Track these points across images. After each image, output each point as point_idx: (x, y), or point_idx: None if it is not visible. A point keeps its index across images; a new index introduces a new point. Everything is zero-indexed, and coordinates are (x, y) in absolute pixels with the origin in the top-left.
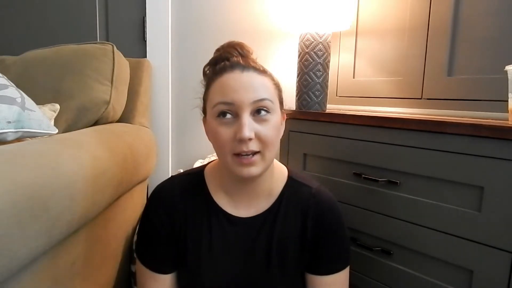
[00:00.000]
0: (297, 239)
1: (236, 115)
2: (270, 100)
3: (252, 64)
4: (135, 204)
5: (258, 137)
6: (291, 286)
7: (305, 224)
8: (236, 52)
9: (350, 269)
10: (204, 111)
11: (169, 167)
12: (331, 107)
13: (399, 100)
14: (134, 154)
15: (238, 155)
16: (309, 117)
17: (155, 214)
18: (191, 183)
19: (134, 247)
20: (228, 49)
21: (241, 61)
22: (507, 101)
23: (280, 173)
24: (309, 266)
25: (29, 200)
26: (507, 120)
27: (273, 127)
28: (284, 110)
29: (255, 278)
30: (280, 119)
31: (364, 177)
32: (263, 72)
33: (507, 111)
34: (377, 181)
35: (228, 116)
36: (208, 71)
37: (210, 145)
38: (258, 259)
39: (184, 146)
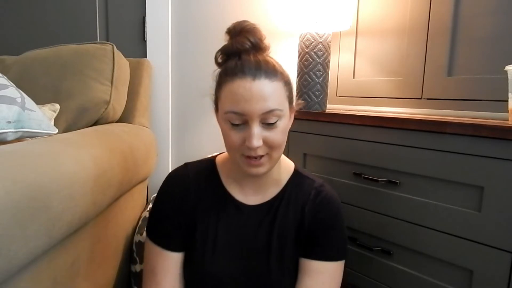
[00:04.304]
0: (295, 226)
1: (246, 123)
2: (279, 109)
3: (264, 66)
4: (135, 204)
5: (266, 143)
6: (288, 273)
7: (304, 212)
8: (249, 43)
9: (350, 269)
10: (216, 104)
11: (169, 167)
12: (331, 107)
13: (399, 100)
14: (134, 154)
15: (247, 156)
16: (309, 117)
17: (167, 194)
18: (204, 169)
19: (134, 245)
20: (240, 39)
21: (253, 62)
22: (507, 101)
23: (287, 165)
24: (305, 251)
25: (29, 200)
26: (507, 120)
27: (281, 132)
28: (294, 104)
29: (255, 264)
30: (288, 120)
31: (364, 177)
32: (274, 74)
33: (507, 111)
34: (377, 181)
35: (238, 123)
36: (220, 60)
37: (210, 145)
38: (259, 245)
39: (184, 146)
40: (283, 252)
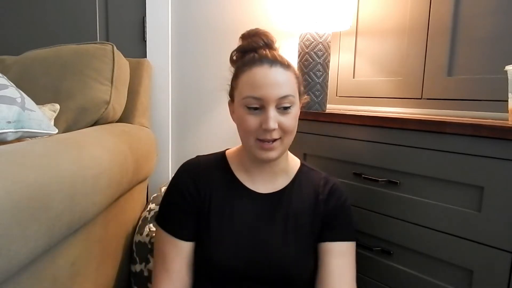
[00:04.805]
0: (310, 212)
1: (262, 107)
2: (293, 95)
3: (279, 58)
4: (135, 204)
5: (280, 127)
6: (304, 255)
7: (318, 199)
8: (262, 41)
9: None
10: (231, 95)
11: (169, 167)
12: (331, 107)
13: (399, 100)
14: (134, 154)
15: (261, 140)
16: (309, 117)
17: (182, 182)
18: (214, 160)
19: (134, 245)
20: (255, 39)
21: (269, 55)
22: (507, 101)
23: (294, 159)
24: (323, 235)
25: (29, 200)
26: (507, 120)
27: (294, 118)
28: (303, 99)
29: (271, 248)
30: (299, 109)
31: (364, 177)
32: (287, 67)
33: (507, 111)
34: (377, 181)
35: (256, 108)
36: (235, 58)
37: (210, 145)
38: (275, 230)
39: (184, 146)
40: (299, 235)
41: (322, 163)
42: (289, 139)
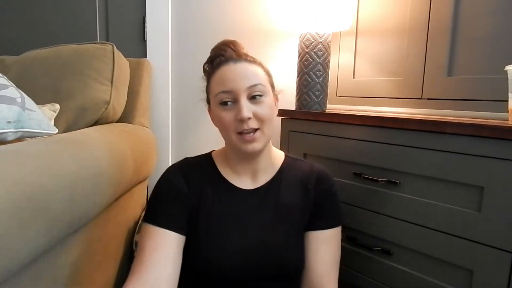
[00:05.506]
0: (300, 203)
1: (235, 100)
2: (262, 85)
3: (244, 56)
4: (135, 204)
5: (256, 116)
6: (296, 247)
7: (307, 188)
8: (229, 49)
9: (350, 269)
10: (208, 101)
11: None
12: (331, 107)
13: (399, 100)
14: (134, 154)
15: (241, 133)
16: (309, 117)
17: (173, 176)
18: (201, 161)
19: (134, 245)
20: (222, 47)
21: (234, 55)
22: (507, 101)
23: (277, 152)
24: (311, 224)
25: (29, 200)
26: (507, 120)
27: (268, 107)
28: (276, 92)
29: (263, 241)
30: (273, 100)
31: (364, 177)
32: (253, 61)
33: (507, 111)
34: (377, 181)
35: (229, 102)
36: (207, 68)
37: (210, 145)
38: (265, 224)
39: (184, 146)
40: (289, 226)
41: (322, 163)
42: (269, 129)
